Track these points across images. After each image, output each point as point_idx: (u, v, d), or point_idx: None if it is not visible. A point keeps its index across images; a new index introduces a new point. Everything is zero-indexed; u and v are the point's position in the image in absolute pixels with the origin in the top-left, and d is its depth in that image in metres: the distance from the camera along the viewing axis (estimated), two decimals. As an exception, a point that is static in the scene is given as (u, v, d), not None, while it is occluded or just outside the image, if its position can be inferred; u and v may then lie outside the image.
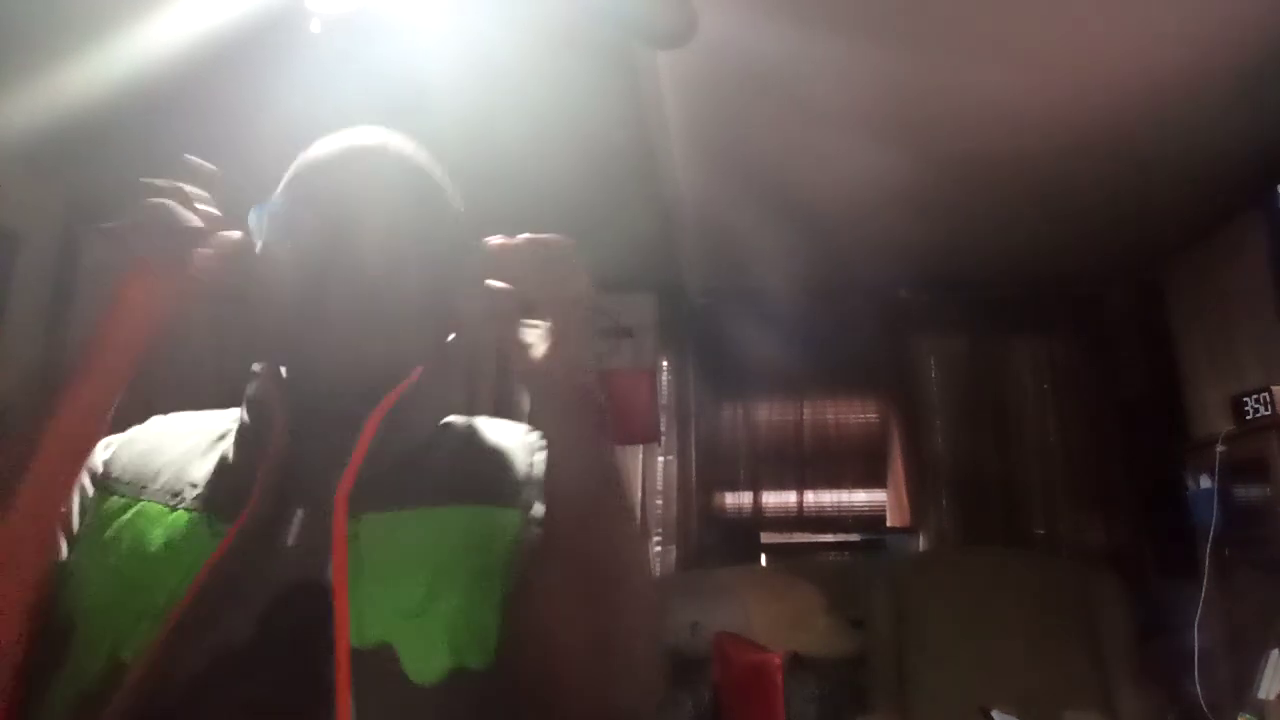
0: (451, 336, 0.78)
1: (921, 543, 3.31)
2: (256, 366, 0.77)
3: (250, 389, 0.76)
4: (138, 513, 0.67)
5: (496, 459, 0.75)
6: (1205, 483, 2.54)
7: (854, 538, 3.50)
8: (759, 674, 2.23)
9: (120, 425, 0.75)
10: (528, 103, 2.06)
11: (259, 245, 0.73)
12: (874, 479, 3.43)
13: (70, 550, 0.67)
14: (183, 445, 0.74)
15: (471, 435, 0.78)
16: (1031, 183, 2.61)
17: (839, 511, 3.42)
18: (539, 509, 0.69)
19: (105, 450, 0.74)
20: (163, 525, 0.66)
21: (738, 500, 3.45)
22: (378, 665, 0.59)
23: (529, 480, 0.73)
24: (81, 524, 0.68)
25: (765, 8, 1.82)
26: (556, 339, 0.62)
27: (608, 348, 3.40)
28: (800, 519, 3.41)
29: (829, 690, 2.56)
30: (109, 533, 0.66)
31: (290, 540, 0.64)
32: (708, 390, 3.53)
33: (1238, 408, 2.39)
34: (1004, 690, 2.34)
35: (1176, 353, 3.22)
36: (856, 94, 2.15)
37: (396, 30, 1.79)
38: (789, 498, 3.42)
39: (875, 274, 3.32)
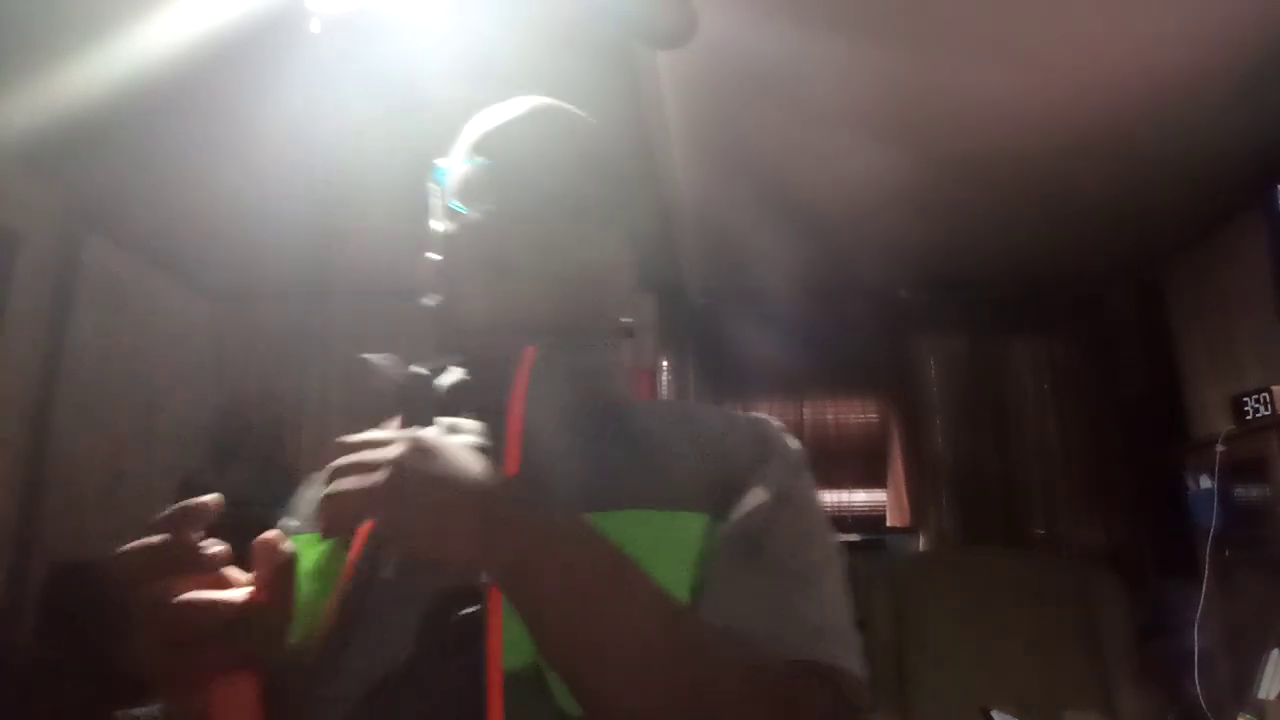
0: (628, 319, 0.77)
1: (921, 543, 3.31)
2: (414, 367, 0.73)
3: (403, 389, 0.71)
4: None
5: (690, 453, 0.66)
6: (1205, 483, 2.54)
7: (854, 538, 3.50)
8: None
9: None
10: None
11: (442, 209, 0.73)
12: (874, 479, 3.43)
13: None
14: None
15: (661, 425, 0.69)
16: (1031, 183, 2.61)
17: (839, 511, 3.42)
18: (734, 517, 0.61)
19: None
20: (310, 554, 0.62)
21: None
22: (530, 690, 0.53)
23: (728, 479, 0.64)
24: None
25: (765, 8, 1.82)
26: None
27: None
28: (800, 519, 3.40)
29: (829, 690, 2.56)
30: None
31: None
32: (708, 390, 3.53)
33: (1238, 408, 2.39)
34: (1004, 690, 2.34)
35: (1176, 353, 3.22)
36: (856, 94, 2.15)
37: (396, 30, 1.79)
38: (789, 498, 3.41)
39: (875, 274, 3.32)
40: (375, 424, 0.65)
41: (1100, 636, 2.53)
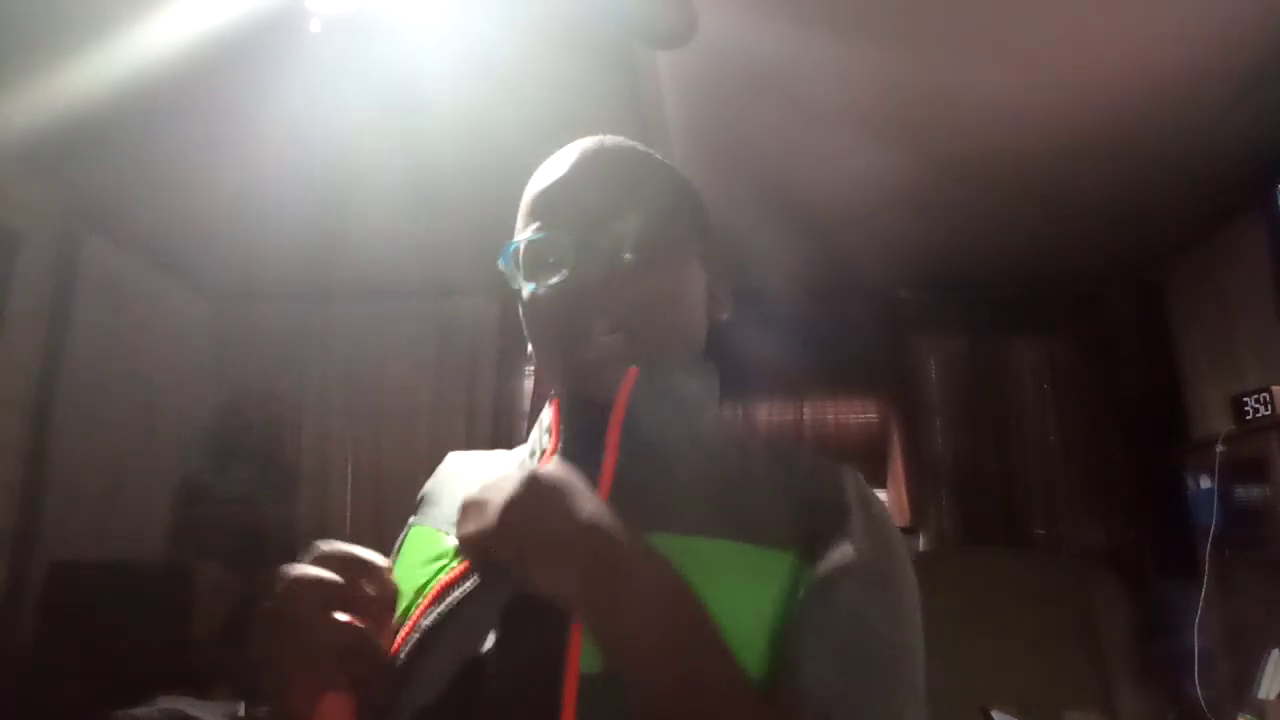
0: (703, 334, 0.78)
1: (921, 543, 3.31)
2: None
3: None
4: (418, 532, 0.74)
5: (774, 488, 0.66)
6: (1205, 483, 2.54)
7: (854, 538, 3.50)
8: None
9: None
10: (528, 103, 2.06)
11: (526, 286, 0.71)
12: (874, 479, 3.43)
13: None
14: (478, 476, 0.70)
15: (753, 459, 0.70)
16: (1031, 183, 2.61)
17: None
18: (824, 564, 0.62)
19: (429, 482, 0.80)
20: (431, 548, 0.69)
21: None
22: (607, 693, 0.54)
23: (818, 524, 0.64)
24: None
25: (765, 8, 1.82)
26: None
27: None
28: (800, 519, 3.40)
29: (829, 690, 2.56)
30: (401, 553, 0.74)
31: None
32: (708, 390, 3.52)
33: (1238, 408, 2.39)
34: (1004, 690, 2.34)
35: (1176, 353, 3.22)
36: (856, 94, 2.15)
37: (396, 30, 1.79)
38: (789, 498, 3.41)
39: (875, 274, 3.32)
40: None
41: (1100, 636, 2.53)
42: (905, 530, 3.31)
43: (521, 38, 1.83)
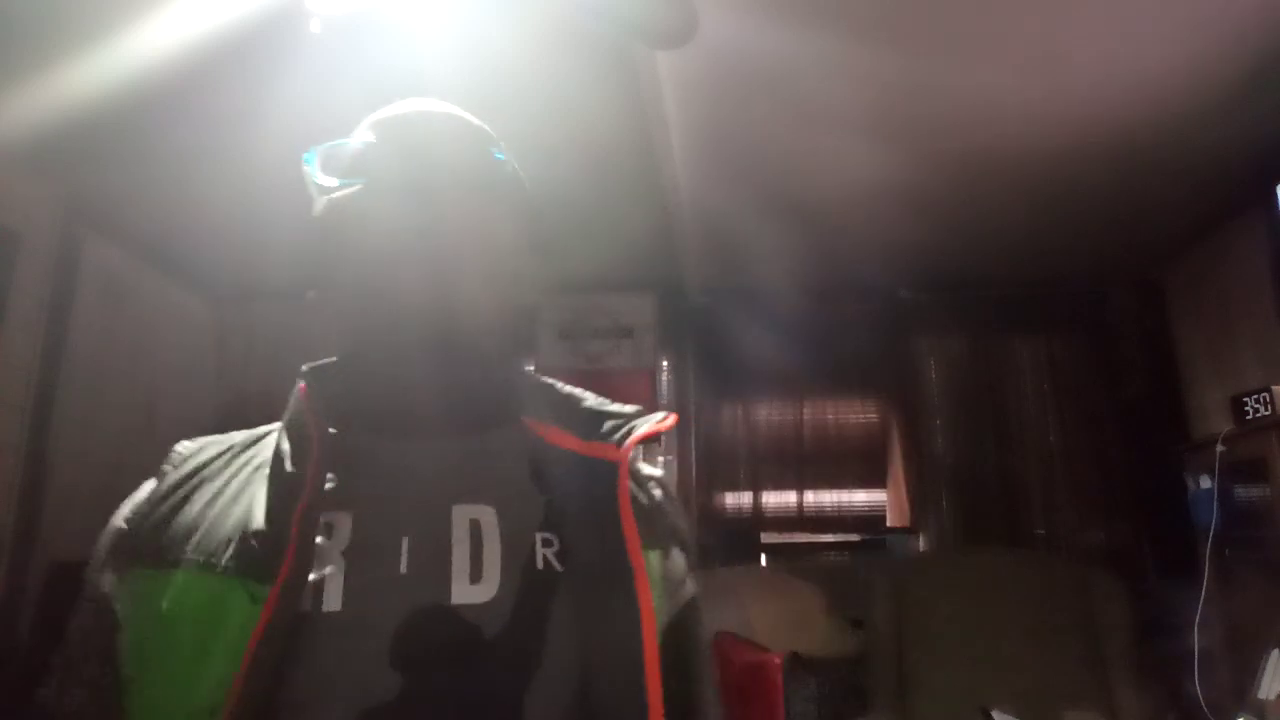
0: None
1: (921, 543, 3.31)
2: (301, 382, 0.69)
3: (290, 408, 0.68)
4: (171, 584, 0.57)
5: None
6: (1205, 483, 2.54)
7: (854, 538, 3.50)
8: (759, 674, 2.23)
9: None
10: (528, 103, 2.06)
11: (323, 184, 0.66)
12: (874, 479, 3.43)
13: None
14: (213, 490, 0.63)
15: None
16: (1031, 183, 2.61)
17: (839, 511, 3.42)
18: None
19: (119, 530, 0.63)
20: (197, 595, 0.56)
21: (738, 500, 3.45)
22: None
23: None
24: (109, 624, 0.59)
25: (765, 8, 1.82)
26: None
27: (607, 347, 3.40)
28: (800, 519, 3.40)
29: (829, 690, 2.56)
30: (142, 612, 0.57)
31: (403, 569, 0.57)
32: (708, 390, 3.53)
33: (1238, 408, 2.39)
34: (1004, 690, 2.34)
35: (1176, 353, 3.22)
36: (856, 94, 2.15)
37: (396, 30, 1.79)
38: (789, 498, 3.42)
39: (875, 274, 3.32)
40: None
41: (1100, 636, 2.53)
42: (905, 530, 3.31)
43: (521, 38, 1.83)
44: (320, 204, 0.67)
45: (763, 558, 3.48)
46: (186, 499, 0.62)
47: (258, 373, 3.35)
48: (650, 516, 0.67)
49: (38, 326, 2.45)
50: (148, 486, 0.66)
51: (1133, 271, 3.33)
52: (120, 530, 0.63)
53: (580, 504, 0.62)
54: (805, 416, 3.49)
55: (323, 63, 1.82)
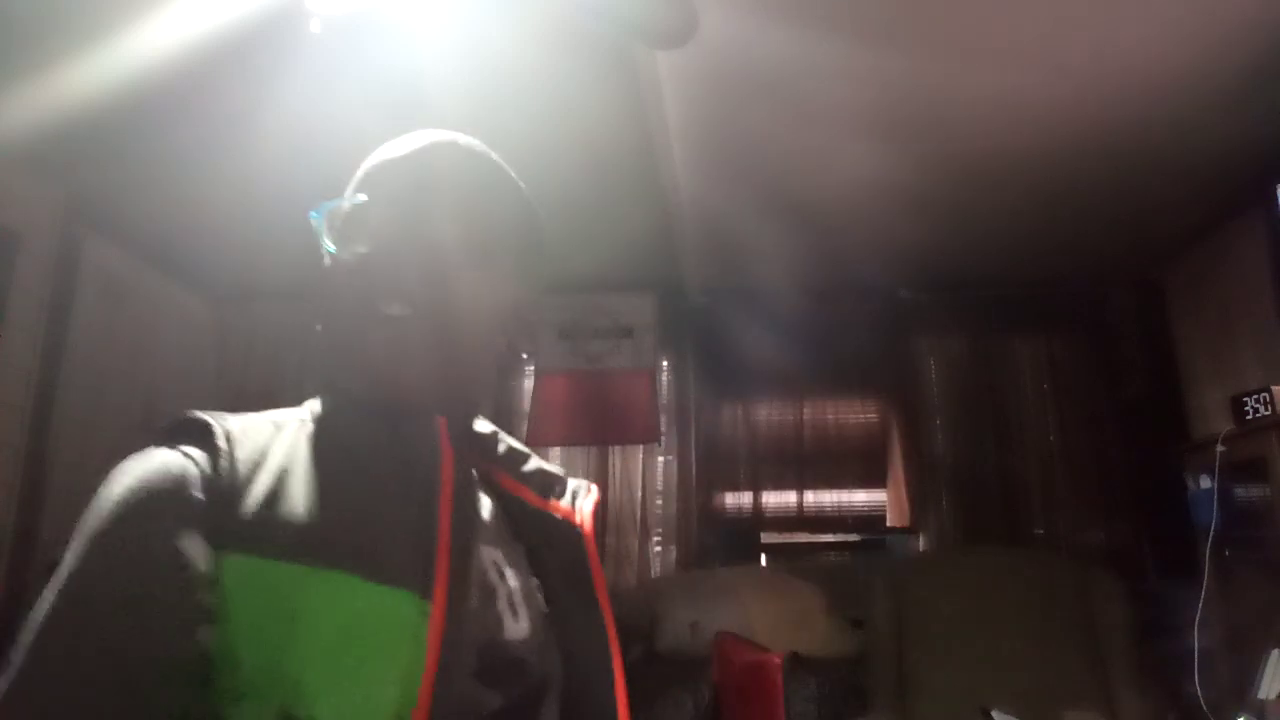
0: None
1: (921, 543, 3.31)
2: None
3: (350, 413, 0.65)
4: (313, 584, 0.53)
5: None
6: (1205, 483, 2.54)
7: (854, 538, 3.50)
8: (759, 674, 2.23)
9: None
10: (528, 103, 2.06)
11: (328, 247, 0.66)
12: (874, 479, 3.43)
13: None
14: (305, 481, 0.59)
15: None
16: (1031, 183, 2.61)
17: (839, 511, 3.42)
18: None
19: (197, 500, 0.54)
20: (354, 602, 0.54)
21: (738, 500, 3.45)
22: None
23: None
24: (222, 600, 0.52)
25: (765, 8, 1.82)
26: None
27: (607, 347, 3.40)
28: (800, 519, 3.41)
29: (829, 690, 2.56)
30: (265, 608, 0.52)
31: (474, 602, 0.60)
32: (708, 390, 3.53)
33: (1238, 408, 2.39)
34: (1004, 690, 2.34)
35: (1176, 353, 3.22)
36: (856, 94, 2.15)
37: (396, 30, 1.79)
38: (789, 498, 3.42)
39: (875, 274, 3.32)
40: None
41: (1100, 636, 2.53)
42: (905, 530, 3.31)
43: (521, 38, 1.83)
44: (326, 262, 0.67)
45: (763, 558, 3.48)
46: (276, 485, 0.57)
47: (258, 373, 3.35)
48: None
49: (38, 326, 2.45)
50: (202, 457, 0.56)
51: (1133, 271, 3.33)
52: (199, 501, 0.54)
53: (555, 558, 0.69)
54: (805, 416, 3.49)
55: (323, 63, 1.82)
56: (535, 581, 0.67)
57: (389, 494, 0.60)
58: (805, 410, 3.50)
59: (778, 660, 2.21)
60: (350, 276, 0.64)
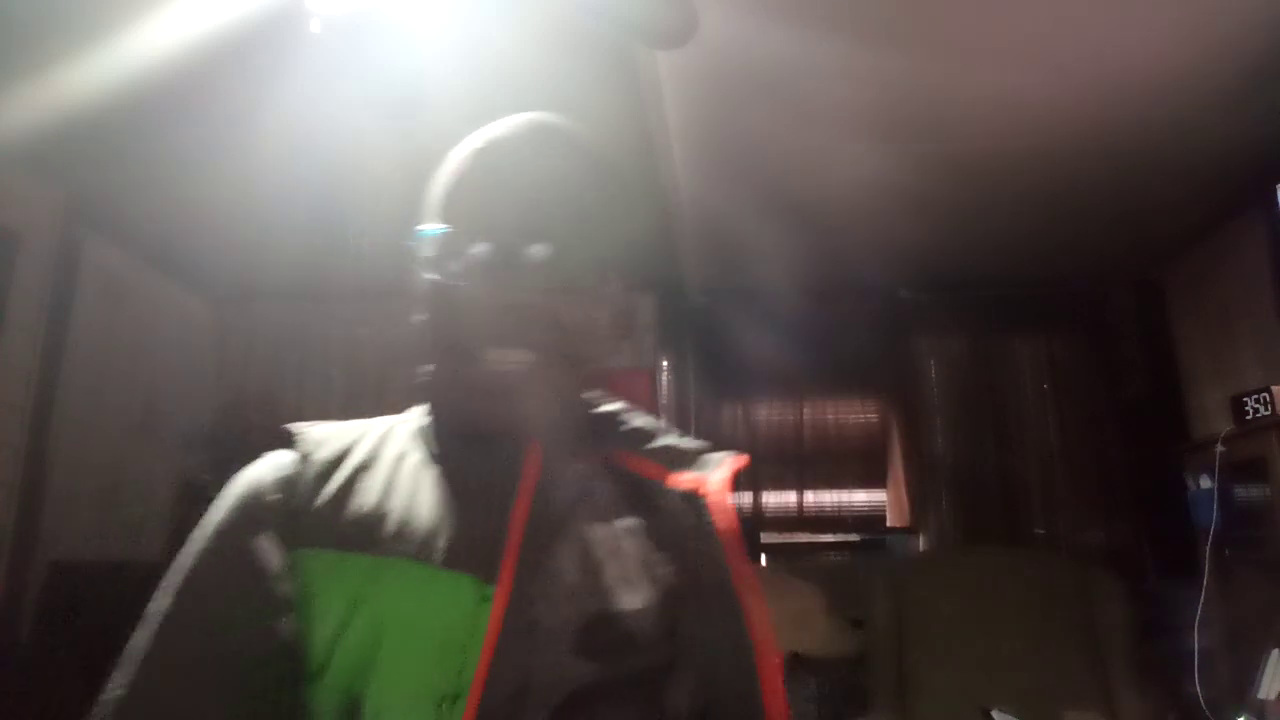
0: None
1: (921, 543, 3.31)
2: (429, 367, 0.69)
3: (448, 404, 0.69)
4: (381, 571, 0.58)
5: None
6: (1205, 483, 2.54)
7: (854, 538, 3.50)
8: (759, 674, 2.23)
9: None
10: (528, 103, 2.05)
11: (424, 275, 0.66)
12: (874, 479, 3.43)
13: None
14: (380, 480, 0.64)
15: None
16: (1031, 182, 2.61)
17: (839, 511, 3.42)
18: None
19: (274, 502, 0.62)
20: (422, 587, 0.58)
21: (738, 500, 3.45)
22: None
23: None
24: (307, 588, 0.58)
25: (765, 8, 1.82)
26: None
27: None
28: (800, 519, 3.41)
29: (829, 690, 2.56)
30: (333, 595, 0.58)
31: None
32: (707, 390, 3.53)
33: (1238, 408, 2.39)
34: (1004, 690, 2.34)
35: (1176, 353, 3.22)
36: (856, 94, 2.15)
37: (396, 30, 1.79)
38: (789, 498, 3.42)
39: (875, 274, 3.32)
40: None
41: (1100, 636, 2.53)
42: (905, 530, 3.31)
43: (521, 38, 1.83)
44: (425, 285, 0.67)
45: (763, 558, 3.48)
46: (351, 484, 0.63)
47: (258, 373, 3.35)
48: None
49: (38, 326, 2.45)
50: (284, 463, 0.64)
51: (1133, 271, 3.33)
52: (276, 502, 0.61)
53: (677, 528, 0.69)
54: (805, 416, 3.49)
55: (323, 63, 1.82)
56: (659, 555, 0.66)
57: (465, 494, 0.63)
58: (805, 410, 3.50)
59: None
60: (439, 314, 0.65)
